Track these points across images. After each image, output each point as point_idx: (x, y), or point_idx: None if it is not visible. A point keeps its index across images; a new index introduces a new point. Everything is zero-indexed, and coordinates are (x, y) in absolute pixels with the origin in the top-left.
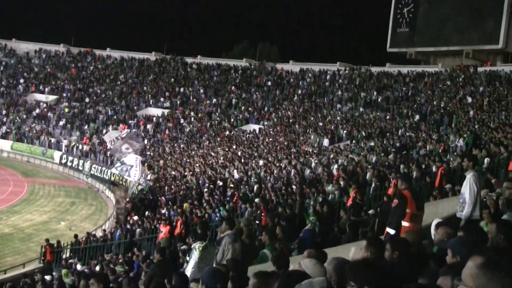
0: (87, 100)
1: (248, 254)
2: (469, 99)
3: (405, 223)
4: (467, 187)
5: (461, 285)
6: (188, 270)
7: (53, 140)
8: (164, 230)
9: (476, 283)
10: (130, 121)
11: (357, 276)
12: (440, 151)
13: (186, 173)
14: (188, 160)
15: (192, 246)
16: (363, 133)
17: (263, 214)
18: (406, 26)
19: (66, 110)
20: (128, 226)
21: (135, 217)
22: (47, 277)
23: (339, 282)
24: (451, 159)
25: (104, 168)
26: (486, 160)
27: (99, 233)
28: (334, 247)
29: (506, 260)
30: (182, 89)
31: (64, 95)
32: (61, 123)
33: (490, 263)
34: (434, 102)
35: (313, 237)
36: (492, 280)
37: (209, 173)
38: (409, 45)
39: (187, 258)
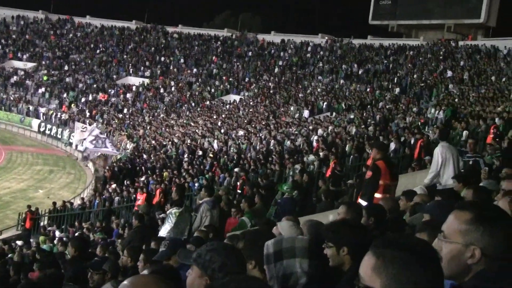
0: (66, 68)
1: (226, 220)
2: (450, 73)
3: (378, 195)
4: (433, 157)
5: (444, 241)
6: (163, 235)
7: (31, 107)
8: (141, 198)
9: (466, 239)
10: (109, 90)
11: (335, 235)
12: (419, 123)
13: (165, 143)
14: (167, 130)
15: (168, 212)
16: (343, 105)
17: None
18: None
19: (45, 78)
20: (107, 195)
21: (114, 186)
22: (19, 242)
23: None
24: (430, 131)
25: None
26: (465, 133)
27: (77, 201)
28: (311, 215)
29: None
30: (162, 59)
31: (43, 62)
32: (40, 91)
33: (482, 216)
34: (415, 76)
35: (292, 206)
36: (486, 234)
37: (189, 142)
38: (391, 18)
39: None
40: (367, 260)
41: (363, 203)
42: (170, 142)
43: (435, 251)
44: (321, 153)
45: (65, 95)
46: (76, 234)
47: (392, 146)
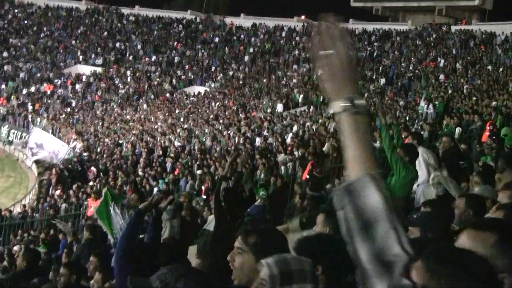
0: (5, 54)
1: (188, 232)
2: (441, 62)
3: None
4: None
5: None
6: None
7: None
8: (93, 205)
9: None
10: (56, 80)
11: (309, 252)
12: (407, 119)
13: (121, 141)
14: (123, 126)
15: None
16: (321, 98)
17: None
18: None
19: None
20: (52, 201)
21: (58, 191)
22: None
23: None
24: (420, 128)
25: (24, 134)
26: (458, 129)
27: (17, 209)
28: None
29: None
30: (117, 44)
31: None
32: None
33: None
34: (402, 64)
35: (263, 214)
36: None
37: (148, 140)
38: (375, 0)
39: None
40: (418, 274)
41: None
42: (125, 140)
43: (491, 267)
44: (296, 153)
45: (3, 86)
46: (15, 248)
47: (377, 145)
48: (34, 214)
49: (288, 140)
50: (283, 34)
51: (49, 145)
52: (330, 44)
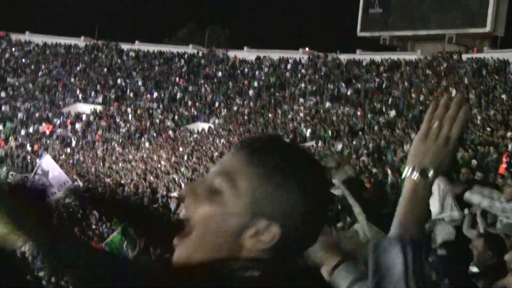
0: (2, 94)
1: None
2: (453, 92)
3: None
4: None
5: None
6: None
7: None
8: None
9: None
10: (55, 120)
11: None
12: None
13: (122, 181)
14: (124, 166)
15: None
16: (330, 132)
17: None
18: (379, 6)
19: None
20: None
21: None
22: None
23: None
24: None
25: (23, 175)
26: (473, 162)
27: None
28: None
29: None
30: (117, 81)
31: None
32: None
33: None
34: (413, 95)
35: None
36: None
37: (150, 180)
38: (383, 28)
39: None
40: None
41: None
42: (128, 180)
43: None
44: None
45: (1, 127)
46: None
47: (389, 179)
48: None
49: None
50: (288, 66)
51: (55, 176)
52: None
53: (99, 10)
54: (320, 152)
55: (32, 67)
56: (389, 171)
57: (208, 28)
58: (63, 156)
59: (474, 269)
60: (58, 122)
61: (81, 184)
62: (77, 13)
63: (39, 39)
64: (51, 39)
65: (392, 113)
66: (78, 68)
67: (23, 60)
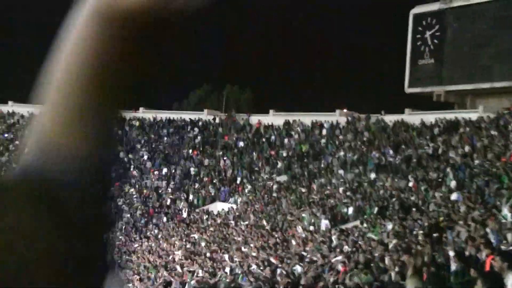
0: None
1: None
2: None
3: None
4: None
5: None
6: None
7: None
8: None
9: None
10: None
11: None
12: (487, 231)
13: (128, 277)
14: (129, 258)
15: None
16: (376, 208)
17: None
18: (430, 56)
19: None
20: None
21: None
22: None
23: None
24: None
25: None
26: None
27: None
28: None
29: None
30: (120, 155)
31: None
32: None
33: None
34: (475, 162)
35: None
36: None
37: (163, 274)
38: (436, 83)
39: None
40: None
41: None
42: (135, 277)
43: None
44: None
45: None
46: None
47: (453, 267)
48: None
49: (339, 267)
50: (324, 132)
51: None
52: None
53: None
54: (366, 233)
55: (16, 142)
56: (451, 256)
57: (225, 89)
58: None
59: None
60: None
61: None
62: None
63: (23, 109)
64: (31, 109)
65: (452, 184)
66: None
67: (5, 135)
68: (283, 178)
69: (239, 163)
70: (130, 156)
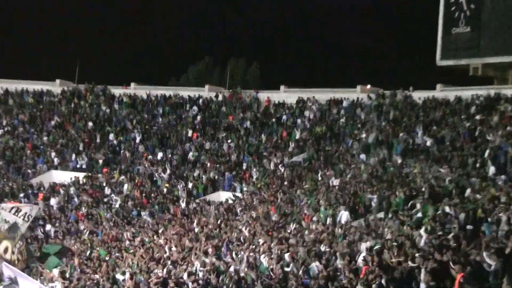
0: None
1: None
2: None
3: None
4: None
5: None
6: None
7: None
8: None
9: None
10: (21, 195)
11: None
12: None
13: (117, 275)
14: (119, 255)
15: None
16: (402, 197)
17: None
18: (466, 24)
19: None
20: None
21: None
22: None
23: None
24: None
25: None
26: None
27: None
28: None
29: None
30: (107, 139)
31: None
32: None
33: None
34: None
35: None
36: None
37: (157, 272)
38: (472, 54)
39: None
40: None
41: None
42: (125, 275)
43: None
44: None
45: None
46: None
47: (492, 265)
48: None
49: (360, 264)
50: (342, 111)
51: (23, 283)
52: None
53: (80, 45)
54: (391, 226)
55: None
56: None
57: (229, 63)
58: (35, 246)
59: None
60: (26, 199)
61: (60, 284)
62: (52, 48)
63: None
64: (15, 84)
65: (491, 169)
66: (53, 123)
67: None
68: (295, 163)
69: (245, 147)
70: (120, 138)
